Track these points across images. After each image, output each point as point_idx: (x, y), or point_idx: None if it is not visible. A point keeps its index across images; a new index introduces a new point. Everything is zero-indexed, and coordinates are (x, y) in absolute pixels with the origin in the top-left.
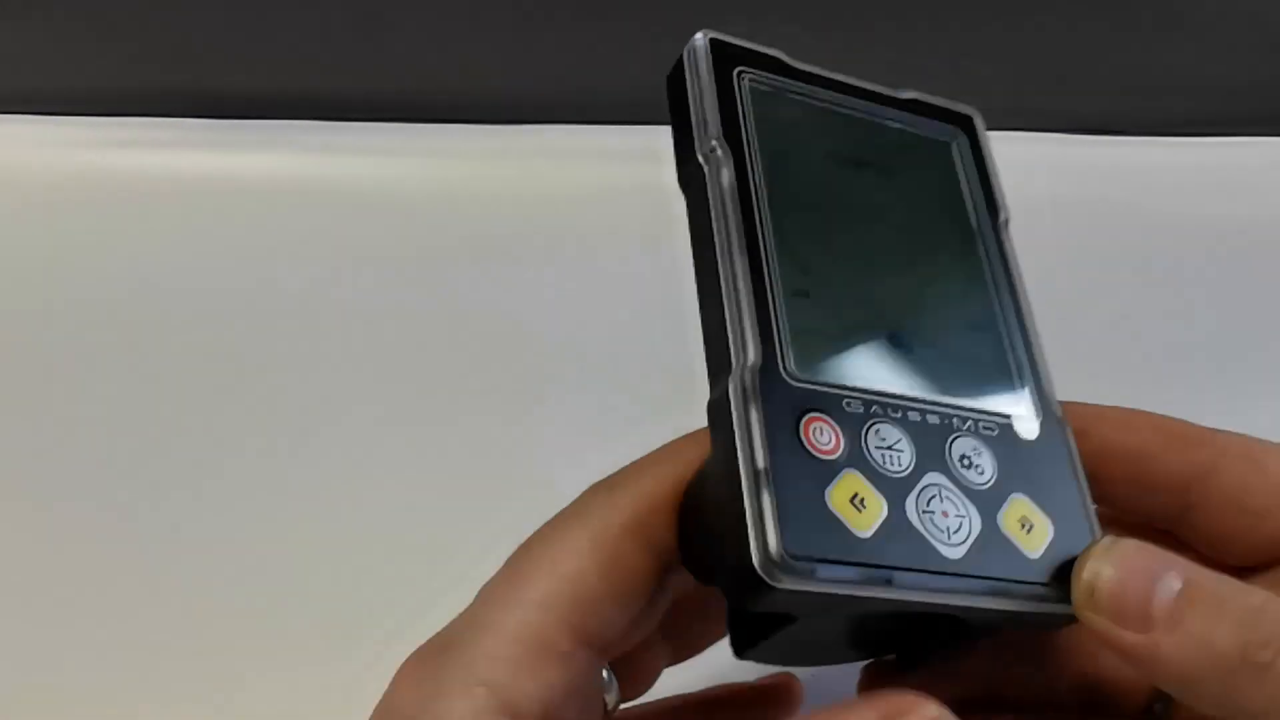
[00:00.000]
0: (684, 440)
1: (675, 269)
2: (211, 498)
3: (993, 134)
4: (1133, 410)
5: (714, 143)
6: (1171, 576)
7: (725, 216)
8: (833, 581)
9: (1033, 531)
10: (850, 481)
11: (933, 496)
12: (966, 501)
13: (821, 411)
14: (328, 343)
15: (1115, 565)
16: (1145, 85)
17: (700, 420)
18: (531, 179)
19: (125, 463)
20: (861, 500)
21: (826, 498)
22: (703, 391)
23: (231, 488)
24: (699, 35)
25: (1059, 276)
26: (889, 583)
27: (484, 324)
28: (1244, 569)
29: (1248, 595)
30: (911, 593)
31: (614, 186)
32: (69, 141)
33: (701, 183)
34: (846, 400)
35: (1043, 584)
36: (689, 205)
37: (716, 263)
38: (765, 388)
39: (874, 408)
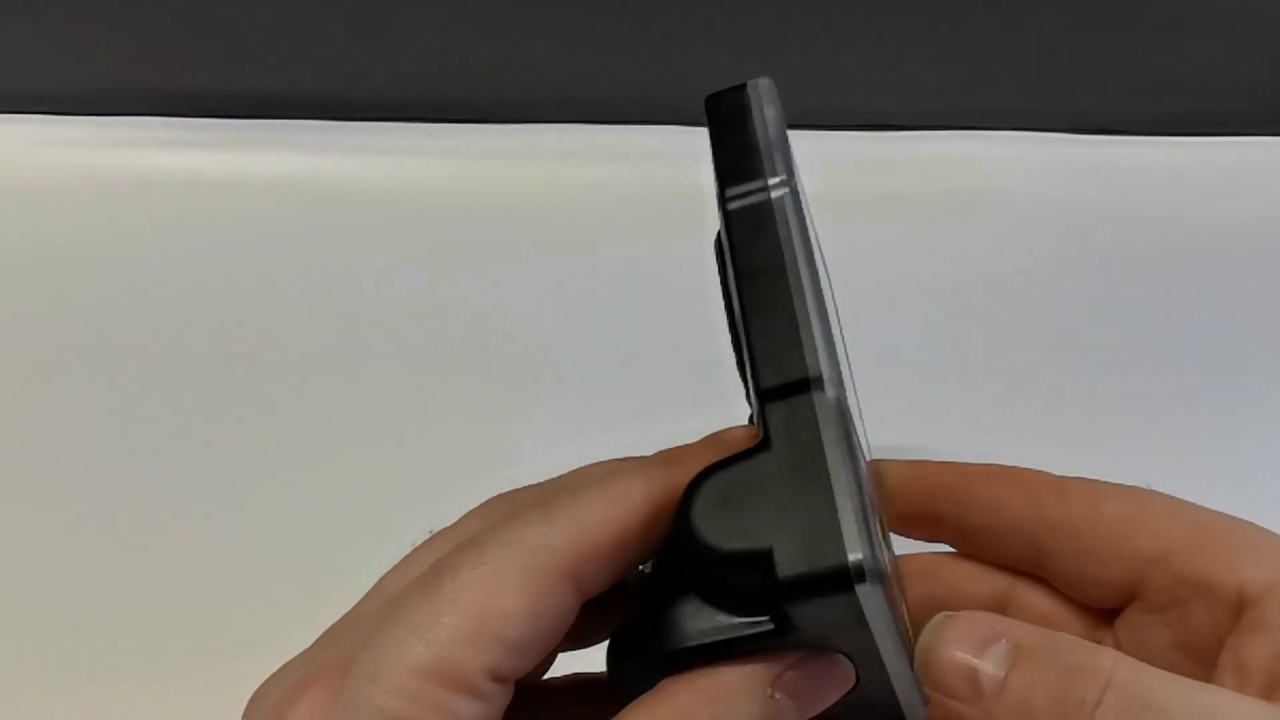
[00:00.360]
0: (626, 471)
1: (675, 269)
2: (213, 495)
3: (996, 134)
4: (1000, 469)
5: (783, 175)
6: (997, 647)
7: (793, 243)
8: (881, 597)
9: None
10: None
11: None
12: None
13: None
14: (328, 341)
15: (943, 640)
16: (1148, 85)
17: (694, 417)
18: (532, 179)
19: (125, 462)
20: (881, 543)
21: (875, 526)
22: (700, 391)
23: (232, 486)
24: (763, 79)
25: (1061, 276)
26: (894, 615)
27: (484, 323)
28: (1107, 610)
29: (1069, 654)
30: (891, 643)
31: (614, 186)
32: (69, 141)
33: (765, 209)
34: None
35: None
36: (736, 227)
37: (789, 285)
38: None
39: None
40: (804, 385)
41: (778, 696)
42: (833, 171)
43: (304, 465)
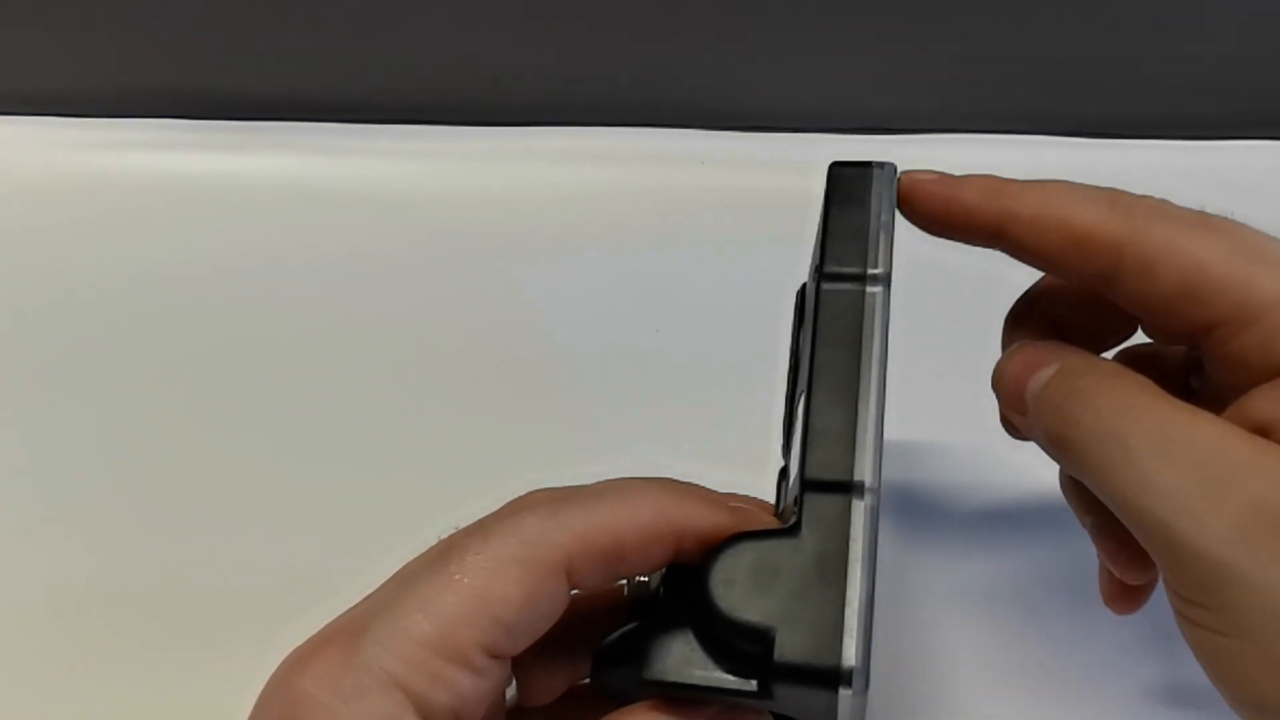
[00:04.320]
0: (632, 483)
1: (675, 270)
2: (213, 497)
3: (998, 137)
4: (1046, 201)
5: (883, 269)
6: (1045, 370)
7: (873, 344)
8: (860, 703)
9: None
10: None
11: None
12: None
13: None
14: (327, 342)
15: (1008, 363)
16: (1151, 88)
17: (694, 417)
18: (532, 180)
19: (125, 461)
20: (868, 651)
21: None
22: (701, 391)
23: (233, 487)
24: (889, 163)
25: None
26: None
27: (483, 325)
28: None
29: (1086, 375)
30: None
31: (614, 188)
32: (69, 142)
33: (859, 295)
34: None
35: None
36: (827, 306)
37: (858, 385)
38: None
39: None
40: (846, 487)
41: None
42: None
43: (304, 465)
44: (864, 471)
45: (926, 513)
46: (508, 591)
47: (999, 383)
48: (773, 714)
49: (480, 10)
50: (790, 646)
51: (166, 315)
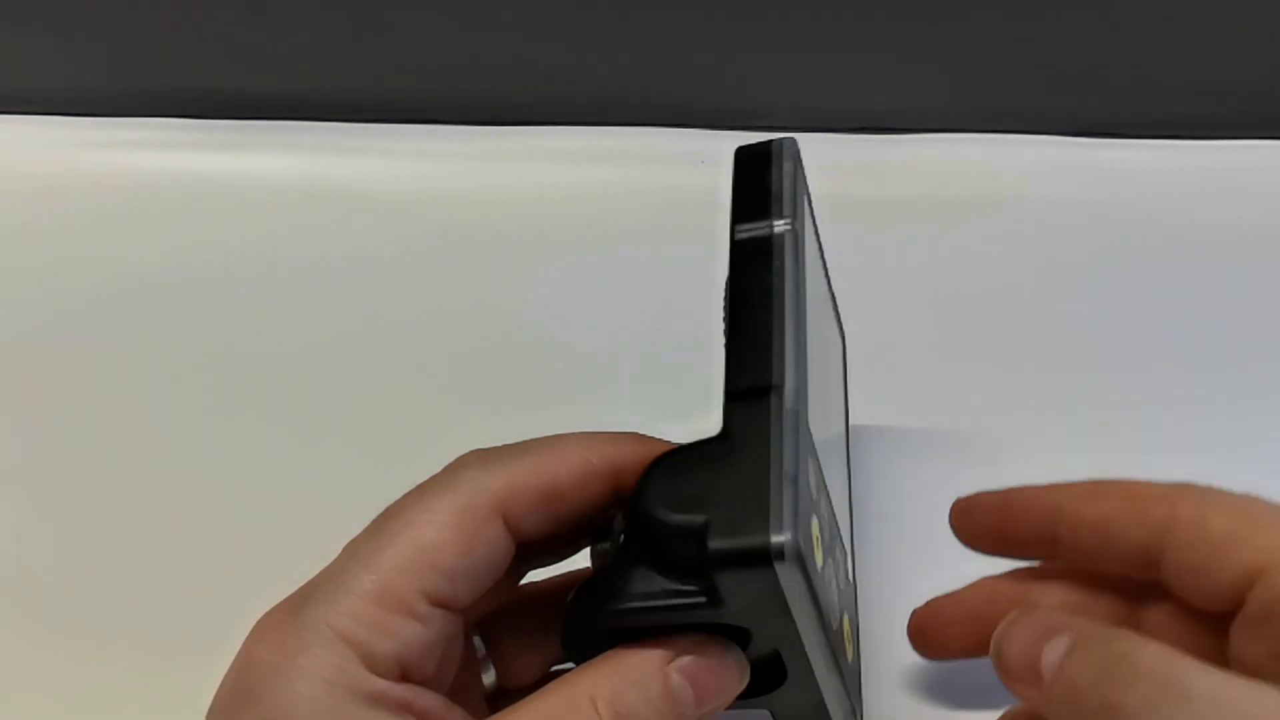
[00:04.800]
0: (571, 437)
1: (677, 270)
2: (212, 497)
3: (998, 136)
4: (1100, 482)
5: (788, 218)
6: (1059, 639)
7: (784, 274)
8: (802, 583)
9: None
10: (815, 524)
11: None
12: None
13: (815, 459)
14: (327, 342)
15: (1013, 631)
16: (1146, 88)
17: (694, 417)
18: (532, 180)
19: (125, 461)
20: (814, 541)
21: (811, 524)
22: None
23: (232, 487)
24: (788, 138)
25: (1061, 278)
26: (819, 609)
27: (484, 324)
28: (1226, 618)
29: (1115, 643)
30: (814, 636)
31: (614, 188)
32: (69, 141)
33: (765, 243)
34: (818, 463)
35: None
36: (737, 255)
37: (772, 307)
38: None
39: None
40: (766, 390)
41: (674, 677)
42: (834, 174)
43: (304, 466)
44: (782, 376)
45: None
46: (442, 538)
47: (1004, 655)
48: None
49: (480, 10)
50: (722, 532)
51: (166, 314)
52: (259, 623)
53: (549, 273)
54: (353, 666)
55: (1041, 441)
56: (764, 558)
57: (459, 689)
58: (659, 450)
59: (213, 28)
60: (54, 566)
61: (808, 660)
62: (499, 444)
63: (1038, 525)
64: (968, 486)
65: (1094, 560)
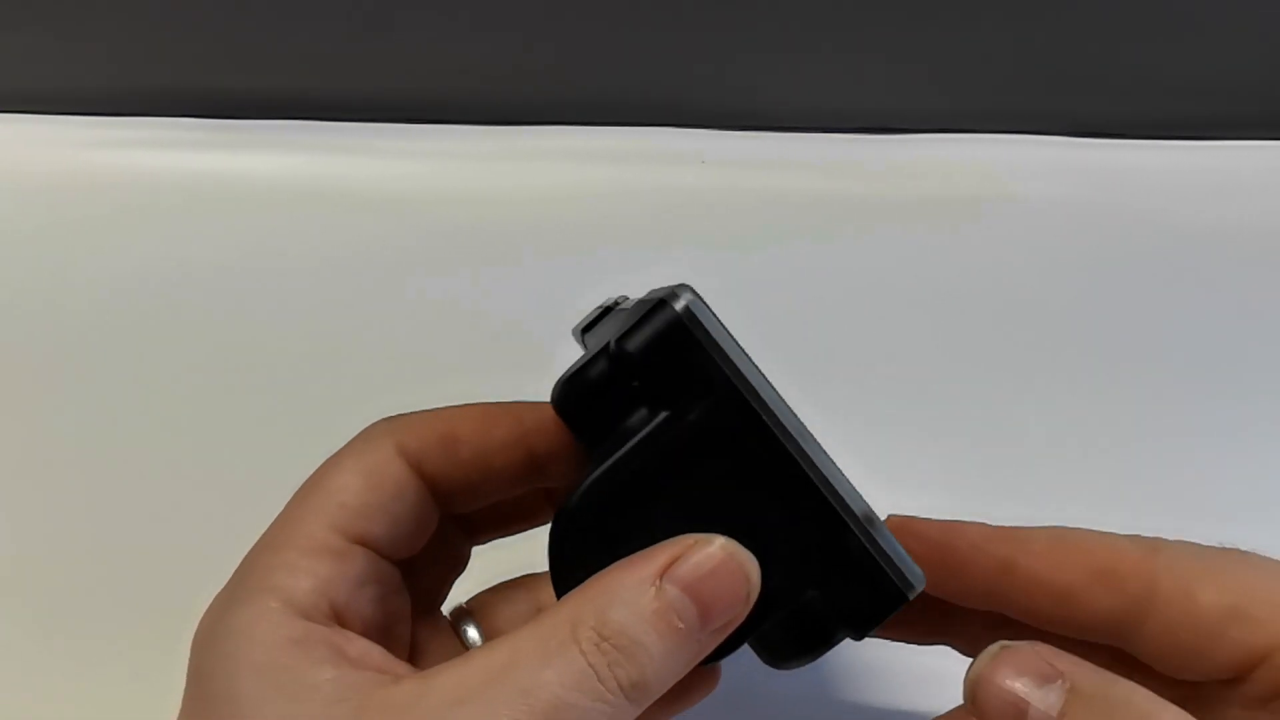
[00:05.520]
0: (474, 404)
1: (675, 270)
2: (211, 497)
3: (999, 137)
4: (1062, 537)
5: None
6: (1053, 686)
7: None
8: (724, 334)
9: None
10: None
11: None
12: None
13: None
14: (327, 342)
15: (998, 669)
16: (1147, 88)
17: None
18: (532, 180)
19: (125, 461)
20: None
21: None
22: None
23: (231, 487)
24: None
25: (1060, 279)
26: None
27: (484, 325)
28: (1206, 691)
29: (1127, 706)
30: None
31: (614, 188)
32: (69, 141)
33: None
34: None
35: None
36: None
37: None
38: None
39: None
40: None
41: (668, 589)
42: (833, 174)
43: (304, 465)
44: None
45: None
46: (345, 479)
47: (984, 700)
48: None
49: (481, 10)
50: (628, 329)
51: (166, 314)
52: (208, 608)
53: (549, 272)
54: (274, 614)
55: (1041, 442)
56: (662, 305)
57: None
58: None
59: (213, 28)
60: (54, 567)
61: (802, 472)
62: None
63: (984, 576)
64: (966, 486)
65: (1047, 624)
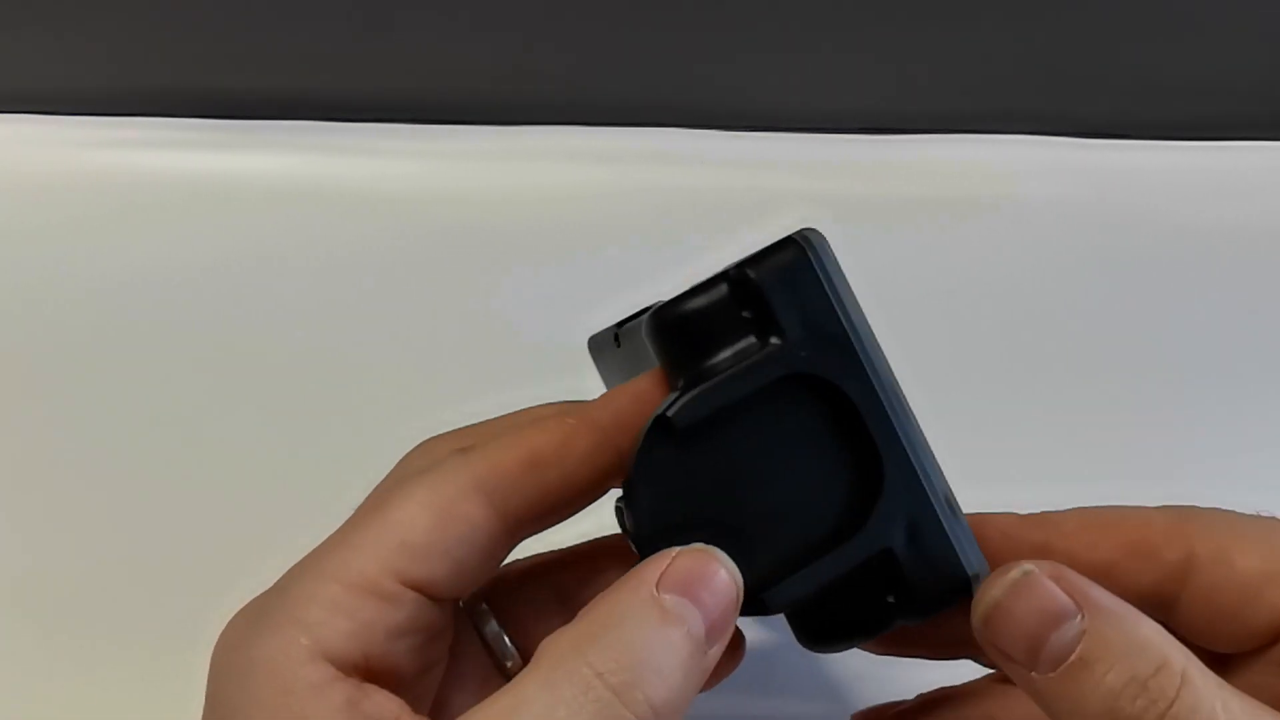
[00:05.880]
0: (546, 409)
1: (675, 270)
2: (210, 496)
3: (999, 137)
4: (1095, 516)
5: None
6: (1071, 623)
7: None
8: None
9: None
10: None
11: None
12: None
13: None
14: (327, 342)
15: (1016, 600)
16: (1147, 88)
17: None
18: (532, 180)
19: (125, 461)
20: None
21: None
22: None
23: (232, 486)
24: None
25: (1060, 280)
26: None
27: (484, 325)
28: (1233, 654)
29: (1145, 647)
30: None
31: (614, 188)
32: (69, 141)
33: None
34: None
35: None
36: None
37: None
38: None
39: None
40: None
41: (666, 596)
42: (834, 174)
43: (303, 465)
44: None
45: None
46: (413, 515)
47: (997, 629)
48: None
49: (481, 10)
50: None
51: (166, 314)
52: (235, 615)
53: (550, 273)
54: (301, 653)
55: (1041, 443)
56: (789, 242)
57: (459, 686)
58: (637, 389)
59: (213, 28)
60: (55, 567)
61: (892, 426)
62: None
63: (1026, 555)
64: (966, 486)
65: None
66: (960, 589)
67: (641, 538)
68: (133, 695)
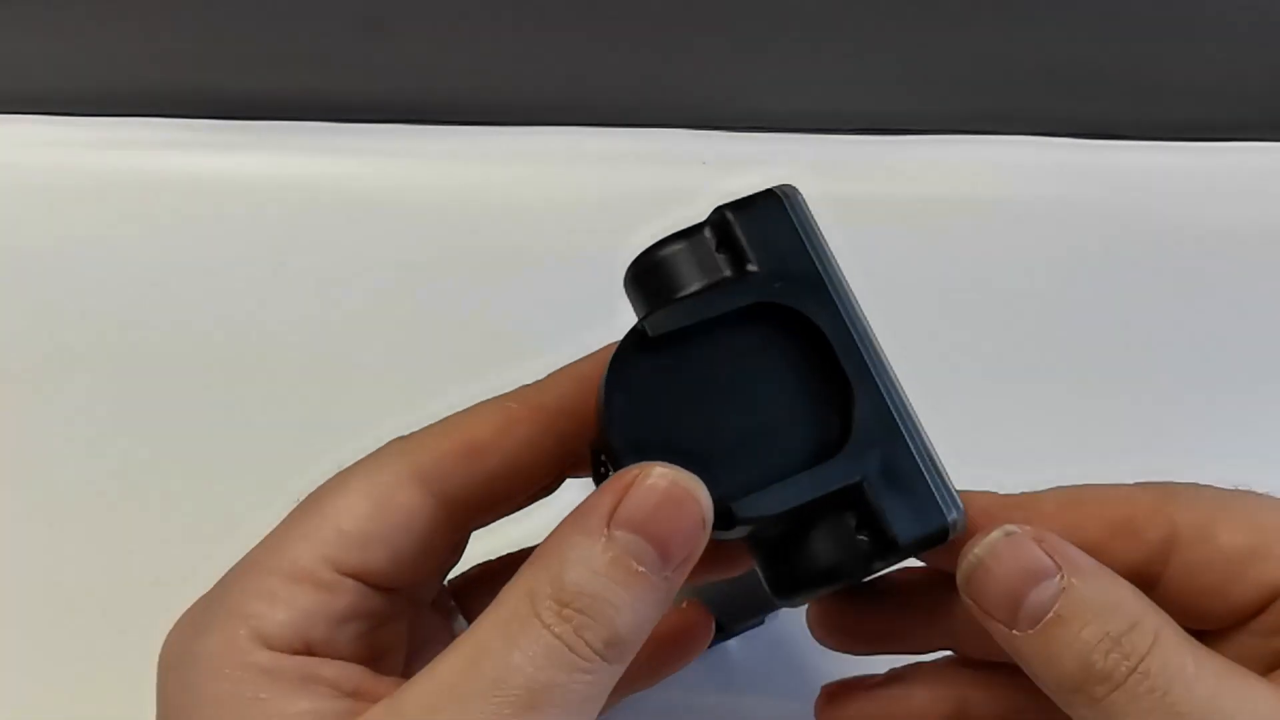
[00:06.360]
0: (486, 401)
1: None
2: (210, 496)
3: (1000, 137)
4: (1074, 495)
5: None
6: (1050, 582)
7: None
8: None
9: None
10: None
11: None
12: None
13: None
14: (328, 342)
15: (996, 560)
16: (1150, 90)
17: None
18: (531, 180)
19: (125, 461)
20: None
21: None
22: None
23: (230, 485)
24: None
25: (1060, 280)
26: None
27: (484, 325)
28: (1217, 630)
29: (1119, 606)
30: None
31: (614, 188)
32: (69, 141)
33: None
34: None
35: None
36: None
37: None
38: None
39: None
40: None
41: (618, 535)
42: (835, 175)
43: (302, 466)
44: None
45: None
46: (350, 501)
47: (979, 587)
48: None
49: (481, 11)
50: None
51: (166, 314)
52: (178, 619)
53: (550, 273)
54: (241, 642)
55: (1041, 443)
56: (767, 192)
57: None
58: (579, 371)
59: (213, 28)
60: (55, 567)
61: (863, 360)
62: None
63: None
64: (965, 486)
65: None
66: (936, 532)
67: (615, 450)
68: (132, 696)
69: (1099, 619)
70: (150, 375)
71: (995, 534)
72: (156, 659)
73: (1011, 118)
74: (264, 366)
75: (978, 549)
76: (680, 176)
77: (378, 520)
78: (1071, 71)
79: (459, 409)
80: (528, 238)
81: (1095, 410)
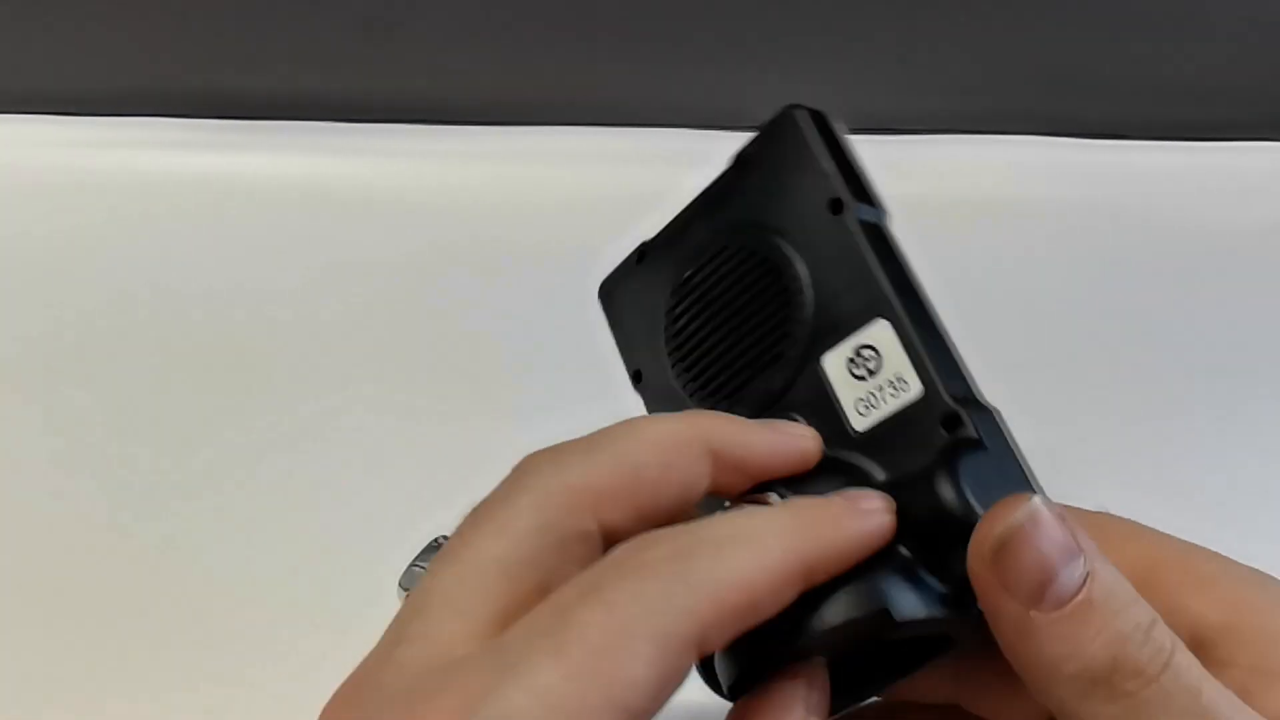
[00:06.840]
0: (755, 519)
1: None
2: (209, 494)
3: (1001, 137)
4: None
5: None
6: (1075, 565)
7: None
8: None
9: None
10: None
11: None
12: None
13: None
14: (327, 341)
15: (1035, 524)
16: (1152, 90)
17: None
18: (532, 180)
19: (125, 459)
20: None
21: None
22: None
23: (229, 484)
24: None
25: (1060, 279)
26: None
27: (484, 324)
28: None
29: (1139, 608)
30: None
31: (614, 188)
32: (69, 141)
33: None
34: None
35: None
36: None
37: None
38: None
39: None
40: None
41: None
42: None
43: (301, 466)
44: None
45: None
46: (637, 674)
47: (1009, 561)
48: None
49: (481, 12)
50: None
51: (165, 314)
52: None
53: (549, 273)
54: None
55: (1041, 442)
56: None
57: None
58: (868, 529)
59: (213, 28)
60: (56, 567)
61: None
62: (504, 446)
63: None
64: None
65: None
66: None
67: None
68: (134, 696)
69: (1130, 608)
70: (150, 373)
71: (1025, 508)
72: (156, 659)
73: (1011, 117)
74: (264, 365)
75: (1007, 522)
76: (680, 176)
77: (660, 697)
78: (1072, 71)
79: (459, 409)
80: (528, 237)
81: (1092, 407)
